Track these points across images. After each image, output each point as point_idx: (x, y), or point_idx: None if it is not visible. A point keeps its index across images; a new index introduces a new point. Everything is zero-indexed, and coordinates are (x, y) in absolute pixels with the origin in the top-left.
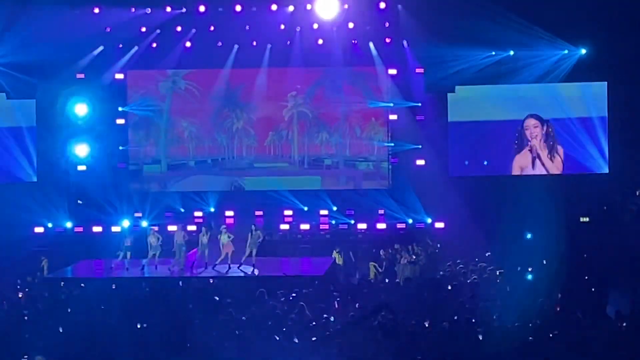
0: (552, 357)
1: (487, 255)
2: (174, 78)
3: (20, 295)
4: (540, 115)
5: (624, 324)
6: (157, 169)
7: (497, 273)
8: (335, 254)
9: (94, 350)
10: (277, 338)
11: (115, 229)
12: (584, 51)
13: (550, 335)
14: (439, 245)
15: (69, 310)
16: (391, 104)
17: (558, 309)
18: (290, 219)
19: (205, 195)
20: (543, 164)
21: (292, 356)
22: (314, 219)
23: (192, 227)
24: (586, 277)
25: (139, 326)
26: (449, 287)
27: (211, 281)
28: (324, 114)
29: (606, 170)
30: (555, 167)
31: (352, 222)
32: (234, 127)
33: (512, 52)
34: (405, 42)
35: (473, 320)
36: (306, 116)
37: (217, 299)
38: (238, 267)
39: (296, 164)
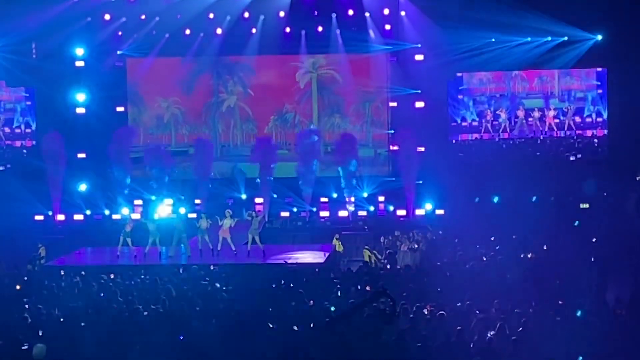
0: (551, 343)
1: (491, 239)
2: None
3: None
4: None
5: (623, 311)
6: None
7: (498, 259)
8: (335, 241)
9: (94, 338)
10: (271, 326)
11: (115, 217)
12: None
13: (549, 321)
14: (440, 232)
15: (69, 298)
16: (391, 91)
17: (560, 302)
18: (290, 206)
19: (209, 182)
20: None
21: (292, 344)
22: (314, 206)
23: (192, 215)
24: (586, 264)
25: (145, 313)
26: (448, 274)
27: (212, 268)
28: (344, 90)
29: (606, 155)
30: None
31: (353, 209)
32: (225, 106)
33: (512, 39)
34: (405, 29)
35: (473, 307)
36: (330, 83)
37: (218, 285)
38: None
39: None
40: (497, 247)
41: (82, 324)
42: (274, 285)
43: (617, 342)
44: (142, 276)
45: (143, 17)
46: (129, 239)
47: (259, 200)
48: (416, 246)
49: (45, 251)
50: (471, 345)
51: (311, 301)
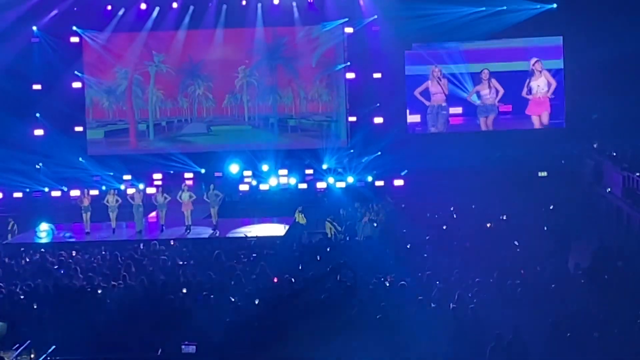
0: (513, 310)
1: (451, 209)
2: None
3: None
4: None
5: (583, 277)
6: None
7: (458, 228)
8: (297, 214)
9: (54, 315)
10: (233, 299)
11: (74, 192)
12: (538, 6)
13: (510, 290)
14: (403, 206)
15: (30, 276)
16: (348, 63)
17: (522, 271)
18: (249, 180)
19: (167, 156)
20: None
21: (253, 317)
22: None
23: (151, 190)
24: (546, 232)
25: (99, 291)
26: (408, 246)
27: (172, 243)
28: (271, 81)
29: (563, 124)
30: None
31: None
32: (196, 93)
33: (467, 8)
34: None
35: (433, 277)
36: (253, 84)
37: (181, 262)
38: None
39: (252, 124)
40: (456, 218)
41: (43, 302)
42: (234, 261)
43: (577, 307)
44: (103, 252)
45: None
46: (87, 213)
47: (218, 174)
48: (375, 216)
49: (14, 225)
50: (432, 315)
51: (275, 278)
